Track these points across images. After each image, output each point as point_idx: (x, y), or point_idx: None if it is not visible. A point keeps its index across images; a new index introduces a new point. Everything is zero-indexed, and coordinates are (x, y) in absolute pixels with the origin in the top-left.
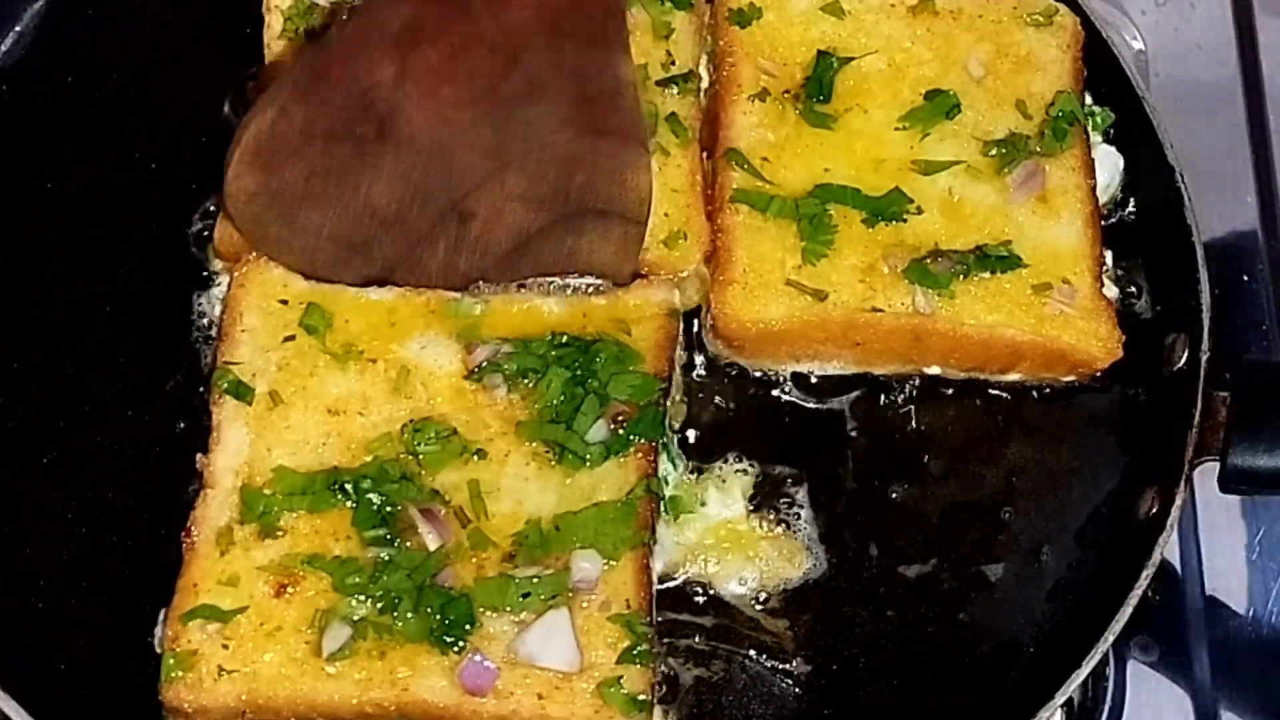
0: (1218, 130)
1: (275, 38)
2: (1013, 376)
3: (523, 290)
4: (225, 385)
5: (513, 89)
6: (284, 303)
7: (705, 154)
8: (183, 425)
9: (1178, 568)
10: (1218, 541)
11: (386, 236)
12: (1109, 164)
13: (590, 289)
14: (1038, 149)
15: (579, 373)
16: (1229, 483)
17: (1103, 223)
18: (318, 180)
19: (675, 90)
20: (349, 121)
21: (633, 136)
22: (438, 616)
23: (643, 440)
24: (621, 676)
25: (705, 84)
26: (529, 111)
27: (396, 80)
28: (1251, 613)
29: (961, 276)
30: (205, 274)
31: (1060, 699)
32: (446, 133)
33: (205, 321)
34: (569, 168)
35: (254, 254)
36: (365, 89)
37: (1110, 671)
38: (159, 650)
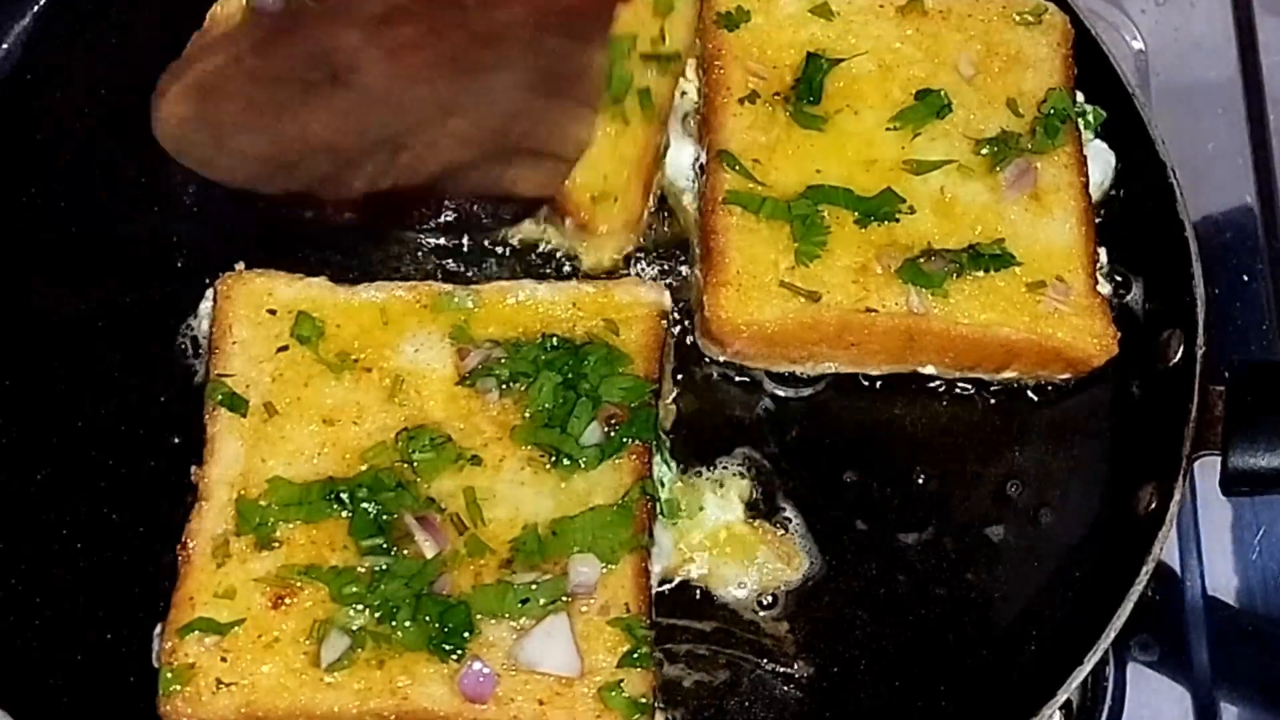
0: (1218, 130)
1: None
2: (1008, 375)
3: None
4: (219, 398)
5: (480, 60)
6: (272, 313)
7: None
8: (177, 439)
9: (1177, 568)
10: (1217, 541)
11: (314, 160)
12: (1101, 161)
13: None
14: (1029, 147)
15: (570, 376)
16: (1231, 485)
17: (1096, 220)
18: (254, 111)
19: (655, 69)
20: (301, 69)
21: (586, 104)
22: (436, 624)
23: (636, 442)
24: (622, 680)
25: (694, 88)
26: (491, 77)
27: (362, 45)
28: (1252, 612)
29: (955, 275)
30: (195, 285)
31: (1062, 696)
32: (400, 85)
33: (196, 334)
34: (514, 117)
35: (238, 268)
36: (327, 49)
37: (1110, 671)
38: (156, 664)
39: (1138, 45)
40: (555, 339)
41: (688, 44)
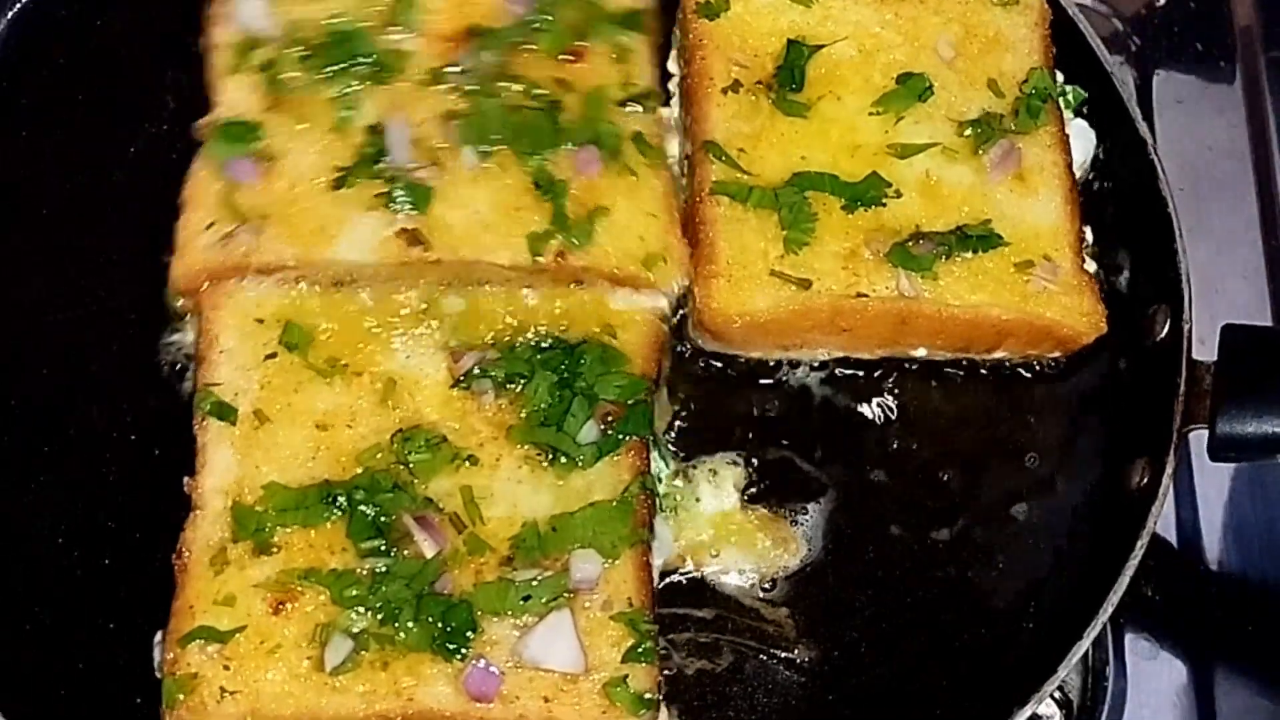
0: (1218, 130)
1: (227, 74)
2: (998, 355)
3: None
4: (208, 407)
5: None
6: (260, 321)
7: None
8: (169, 449)
9: (1176, 564)
10: (1217, 539)
11: None
12: (1083, 140)
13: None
14: (1012, 127)
15: (565, 375)
16: (1218, 451)
17: (1079, 198)
18: None
19: (638, 109)
20: None
21: None
22: (439, 624)
23: (633, 438)
24: (627, 675)
25: (676, 78)
26: None
27: None
28: (1253, 611)
29: (944, 258)
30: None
31: (1063, 673)
32: None
33: (183, 344)
34: None
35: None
36: None
37: (1110, 671)
38: (159, 675)
39: (1136, 45)
40: (550, 339)
41: (654, 78)
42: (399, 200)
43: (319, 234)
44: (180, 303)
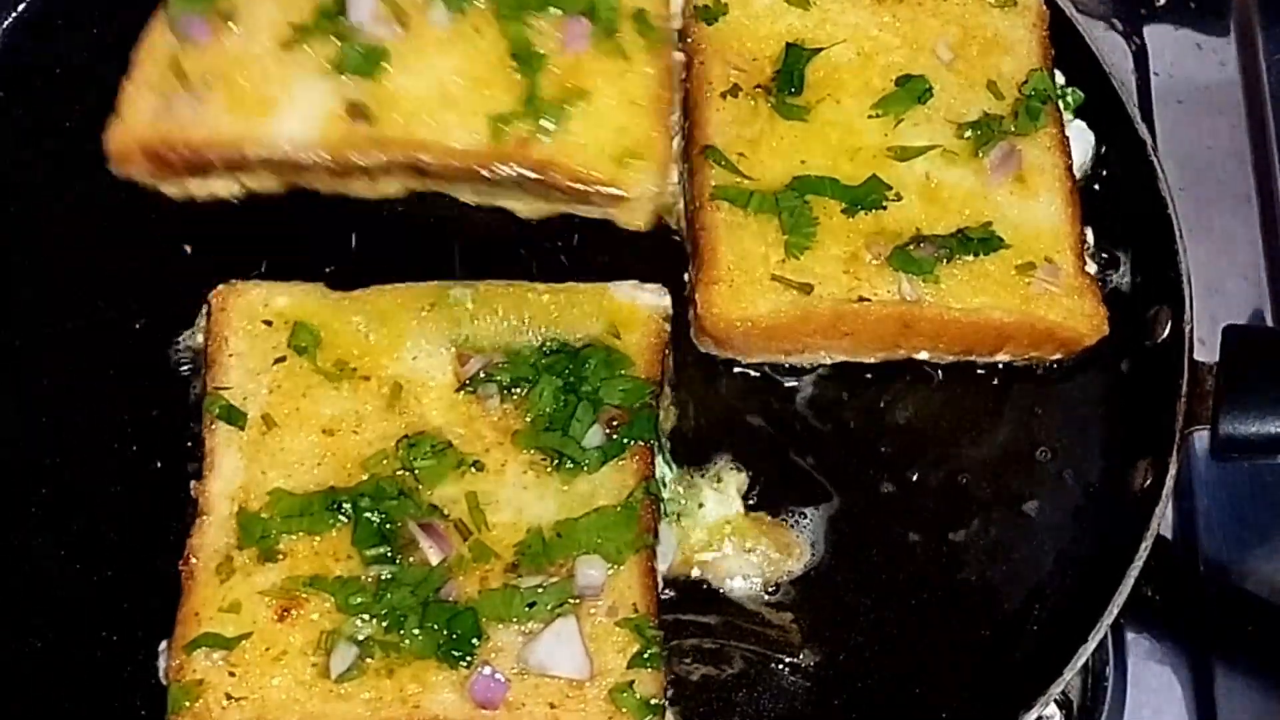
0: (1218, 130)
1: None
2: (1001, 357)
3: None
4: (217, 411)
5: None
6: (268, 323)
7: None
8: (175, 455)
9: (1176, 564)
10: (1218, 539)
11: None
12: (1081, 141)
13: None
14: (1012, 129)
15: (570, 380)
16: (1221, 451)
17: (1080, 199)
18: None
19: None
20: None
21: None
22: (444, 631)
23: (638, 443)
24: (633, 681)
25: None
26: None
27: None
28: (1253, 611)
29: (945, 261)
30: (190, 298)
31: (1069, 675)
32: None
33: (192, 347)
34: None
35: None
36: None
37: (1110, 671)
38: (164, 681)
39: (1137, 44)
40: (554, 343)
41: None
42: (348, 62)
43: (261, 103)
44: (119, 171)
